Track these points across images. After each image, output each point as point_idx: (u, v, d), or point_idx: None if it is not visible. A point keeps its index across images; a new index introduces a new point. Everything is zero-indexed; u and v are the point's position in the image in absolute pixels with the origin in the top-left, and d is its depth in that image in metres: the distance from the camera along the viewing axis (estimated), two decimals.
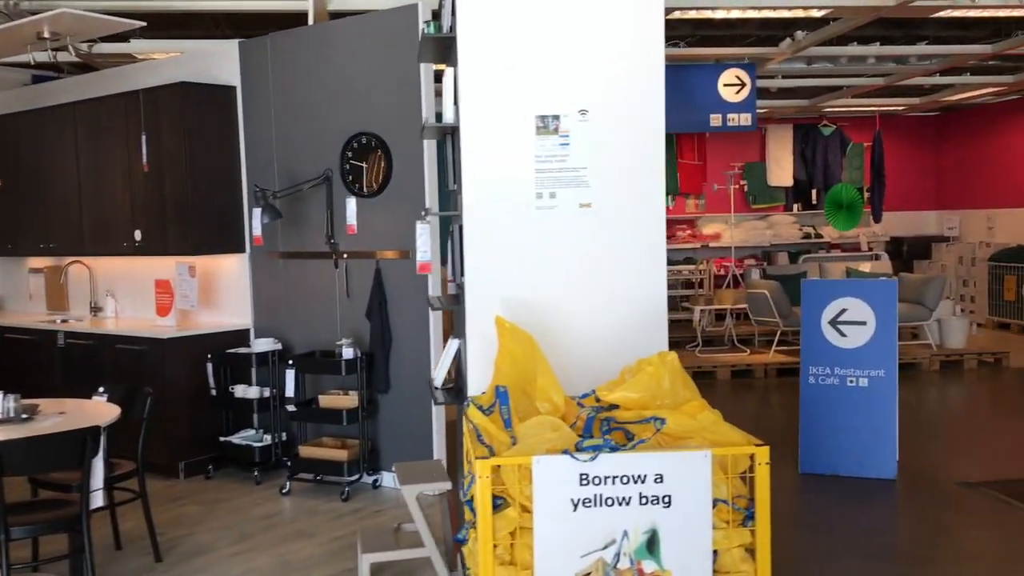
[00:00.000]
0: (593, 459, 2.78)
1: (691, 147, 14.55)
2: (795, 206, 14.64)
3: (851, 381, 5.84)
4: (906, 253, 14.48)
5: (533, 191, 3.62)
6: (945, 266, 13.49)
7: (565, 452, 2.80)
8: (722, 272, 11.87)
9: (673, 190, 14.37)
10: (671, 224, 14.64)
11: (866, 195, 13.45)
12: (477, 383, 3.59)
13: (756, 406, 7.87)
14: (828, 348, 5.92)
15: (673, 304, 12.23)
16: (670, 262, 14.98)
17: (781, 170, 14.59)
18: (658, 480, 2.82)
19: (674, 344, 11.18)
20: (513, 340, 3.36)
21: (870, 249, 14.28)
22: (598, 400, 3.18)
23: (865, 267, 10.46)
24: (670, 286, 12.13)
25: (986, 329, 12.41)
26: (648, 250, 3.72)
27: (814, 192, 14.54)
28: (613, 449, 2.82)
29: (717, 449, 2.89)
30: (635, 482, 2.81)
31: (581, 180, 3.63)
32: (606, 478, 2.80)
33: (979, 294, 12.82)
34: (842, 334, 5.89)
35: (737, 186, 14.58)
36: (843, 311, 5.91)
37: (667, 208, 15.24)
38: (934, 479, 5.65)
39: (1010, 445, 6.44)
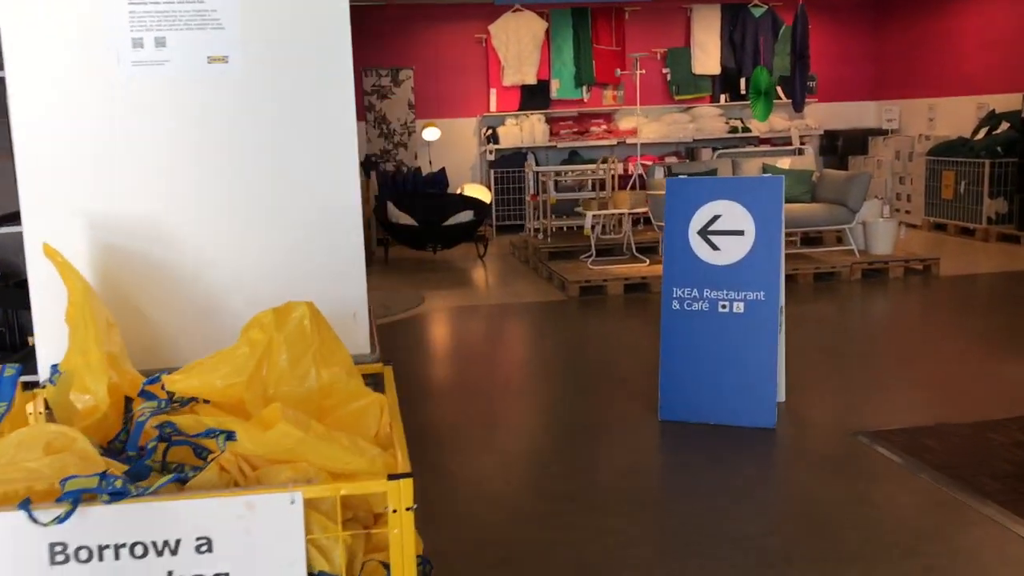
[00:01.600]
0: (62, 521, 1.50)
1: (607, 30, 13.02)
2: (722, 97, 13.26)
3: (723, 306, 4.61)
4: (841, 148, 13.22)
5: (127, 37, 2.23)
6: (881, 161, 12.27)
7: (22, 506, 1.51)
8: (629, 172, 10.54)
9: (588, 79, 12.92)
10: (584, 118, 13.31)
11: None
12: (51, 356, 2.27)
13: (640, 328, 6.68)
14: (696, 265, 4.66)
15: (570, 209, 10.92)
16: (583, 161, 13.79)
17: (707, 57, 13.14)
18: (203, 548, 1.55)
19: (565, 254, 10.22)
20: (72, 285, 2.03)
21: (802, 144, 13.01)
22: (166, 390, 1.87)
23: (784, 163, 9.20)
24: (575, 188, 10.72)
25: (921, 231, 11.29)
26: (331, 136, 2.38)
27: (743, 81, 13.14)
28: (116, 496, 1.53)
29: (318, 487, 1.61)
30: (160, 553, 1.54)
31: (209, 19, 2.25)
32: (102, 550, 1.52)
33: (916, 192, 11.66)
34: (714, 247, 4.64)
35: (645, 73, 13.16)
36: (715, 218, 4.64)
37: (580, 100, 13.89)
38: (824, 428, 4.49)
39: (924, 377, 5.30)
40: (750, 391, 4.55)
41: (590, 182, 10.23)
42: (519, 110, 12.91)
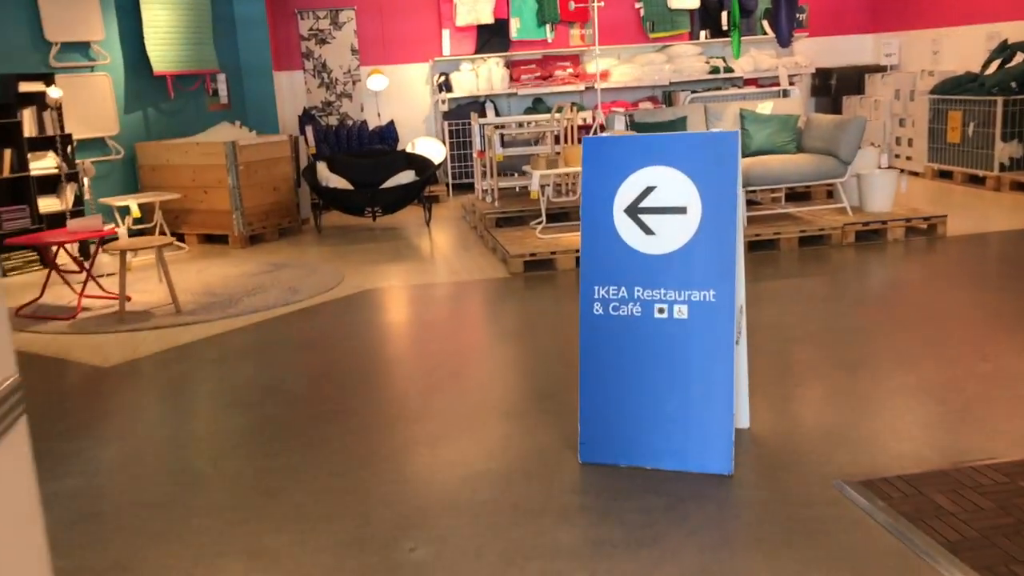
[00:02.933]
0: None
1: None
2: (702, 34, 11.90)
3: (660, 310, 3.42)
4: (835, 88, 11.90)
5: None
6: (879, 102, 10.96)
7: None
8: (586, 122, 9.24)
9: (552, 17, 11.55)
10: (548, 61, 11.98)
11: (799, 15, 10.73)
12: None
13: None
14: (624, 254, 3.45)
15: (521, 167, 9.64)
16: (547, 110, 12.42)
17: None
18: None
19: (515, 220, 8.88)
20: None
21: (791, 84, 11.69)
22: None
23: (765, 107, 7.93)
24: (530, 142, 9.45)
25: (924, 180, 10.04)
26: None
27: (724, 15, 11.78)
28: None
29: None
30: None
31: None
32: None
33: (918, 136, 10.37)
34: (647, 230, 3.43)
35: (604, 5, 11.80)
36: (648, 191, 3.42)
37: (545, 40, 12.52)
38: (797, 472, 3.33)
39: (935, 388, 4.12)
40: (698, 424, 3.37)
41: (547, 135, 8.95)
42: (475, 53, 11.57)
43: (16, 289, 7.24)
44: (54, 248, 6.31)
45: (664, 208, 3.40)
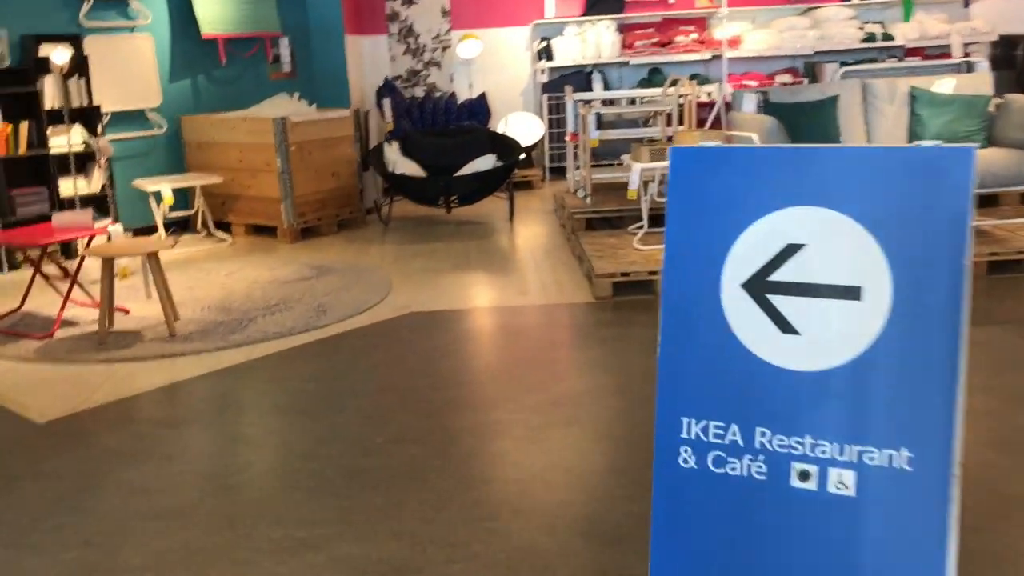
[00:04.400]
0: None
1: None
2: None
3: (803, 475, 1.86)
4: (1021, 60, 9.73)
5: None
6: None
7: None
8: (711, 98, 7.51)
9: None
10: (669, 25, 10.22)
11: None
12: None
13: None
14: (739, 365, 1.90)
15: (618, 153, 7.96)
16: (663, 82, 10.60)
17: None
18: None
19: (612, 223, 6.71)
20: None
21: (965, 56, 9.62)
22: None
23: (945, 85, 6.06)
24: (638, 123, 7.75)
25: None
26: None
27: None
28: None
29: None
30: None
31: None
32: None
33: None
34: (784, 325, 1.86)
35: None
36: (790, 251, 1.85)
37: (665, 1, 10.75)
38: None
39: None
40: None
41: (658, 116, 7.30)
42: (583, 16, 9.96)
43: (16, 289, 6.17)
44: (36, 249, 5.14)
45: (818, 287, 1.82)
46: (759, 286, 1.85)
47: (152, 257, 4.93)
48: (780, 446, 1.85)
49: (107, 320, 4.90)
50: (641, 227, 6.00)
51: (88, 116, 7.10)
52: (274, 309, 5.36)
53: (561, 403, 3.76)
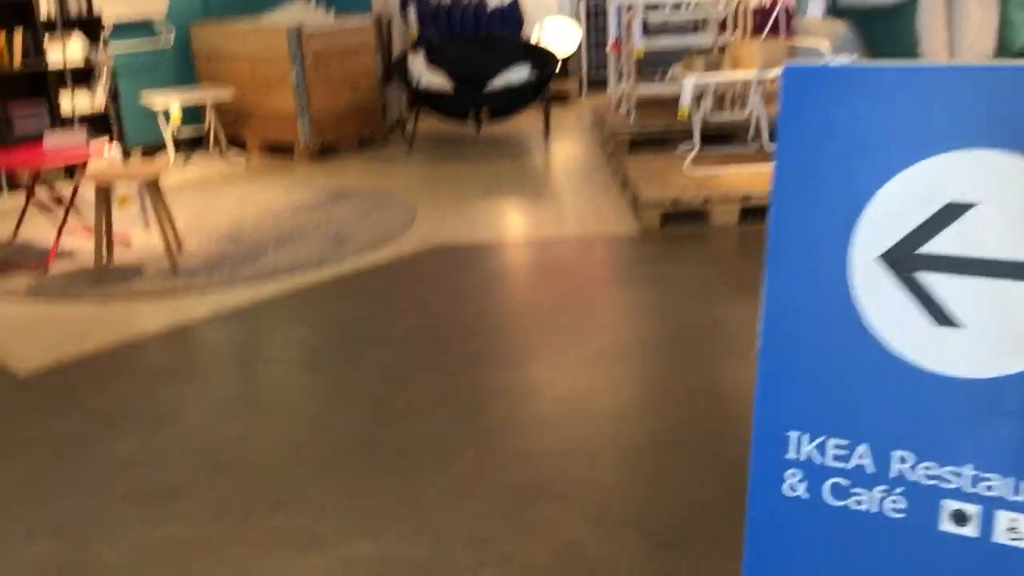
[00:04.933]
0: None
1: None
2: None
3: (959, 517, 1.37)
4: None
5: None
6: None
7: None
8: (768, 2, 6.78)
9: None
10: None
11: None
12: None
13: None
14: (872, 366, 1.39)
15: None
16: None
17: None
18: None
19: (657, 143, 5.86)
20: None
21: None
22: None
23: None
24: (681, 29, 6.97)
25: None
26: None
27: None
28: None
29: None
30: None
31: None
32: None
33: None
34: (939, 314, 1.34)
35: None
36: (950, 213, 1.32)
37: None
38: None
39: None
40: None
41: (711, 21, 6.60)
42: None
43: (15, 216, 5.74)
44: (27, 174, 4.68)
45: (992, 264, 1.30)
46: (905, 260, 1.34)
47: (151, 184, 4.45)
48: (927, 477, 1.36)
49: (103, 253, 4.46)
50: (692, 148, 5.41)
51: (89, 26, 6.56)
52: (287, 239, 4.89)
53: (606, 357, 3.28)
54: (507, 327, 3.61)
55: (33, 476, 2.70)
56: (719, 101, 6.01)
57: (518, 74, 7.09)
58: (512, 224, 5.01)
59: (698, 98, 5.34)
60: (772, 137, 5.61)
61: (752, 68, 5.06)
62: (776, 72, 5.03)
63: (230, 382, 3.26)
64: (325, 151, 7.01)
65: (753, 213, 4.74)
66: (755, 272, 4.04)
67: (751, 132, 5.66)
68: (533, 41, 7.69)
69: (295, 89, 6.70)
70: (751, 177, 4.99)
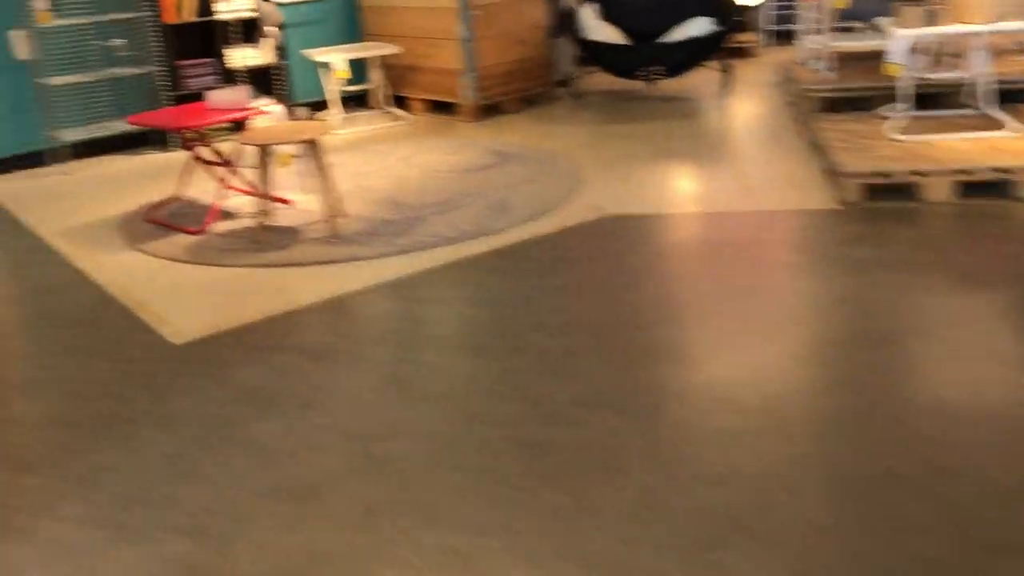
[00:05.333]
0: None
1: None
2: None
3: None
4: None
5: None
6: None
7: None
8: None
9: None
10: None
11: None
12: None
13: (1002, 328, 2.96)
14: None
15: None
16: None
17: None
18: None
19: (858, 104, 5.17)
20: None
21: None
22: None
23: None
24: None
25: None
26: None
27: None
28: None
29: None
30: None
31: None
32: None
33: None
34: None
35: None
36: None
37: None
38: None
39: None
40: None
41: None
42: None
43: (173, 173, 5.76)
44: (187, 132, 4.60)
45: None
46: None
47: (312, 145, 4.27)
48: None
49: (263, 215, 4.33)
50: (899, 111, 4.77)
51: None
52: (448, 205, 4.63)
53: (803, 359, 2.83)
54: (684, 315, 3.20)
55: (175, 459, 2.54)
56: (935, 59, 5.29)
57: (697, 27, 6.54)
58: (688, 193, 4.56)
59: (913, 50, 4.68)
60: (1000, 99, 4.89)
61: (978, 20, 4.37)
62: (1016, 26, 4.31)
63: (383, 364, 3.02)
64: (489, 109, 6.72)
65: (974, 188, 4.10)
66: (978, 258, 3.46)
67: (972, 92, 4.94)
68: None
69: (461, 43, 6.42)
70: (971, 146, 4.33)
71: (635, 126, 6.05)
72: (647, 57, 6.46)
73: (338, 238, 4.26)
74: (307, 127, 4.36)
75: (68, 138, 6.12)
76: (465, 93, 6.55)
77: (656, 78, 6.57)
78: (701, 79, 7.36)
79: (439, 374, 2.93)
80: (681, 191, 4.60)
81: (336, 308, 3.51)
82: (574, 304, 3.37)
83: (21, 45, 5.90)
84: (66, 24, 5.98)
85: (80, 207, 5.12)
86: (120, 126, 6.25)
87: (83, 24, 6.09)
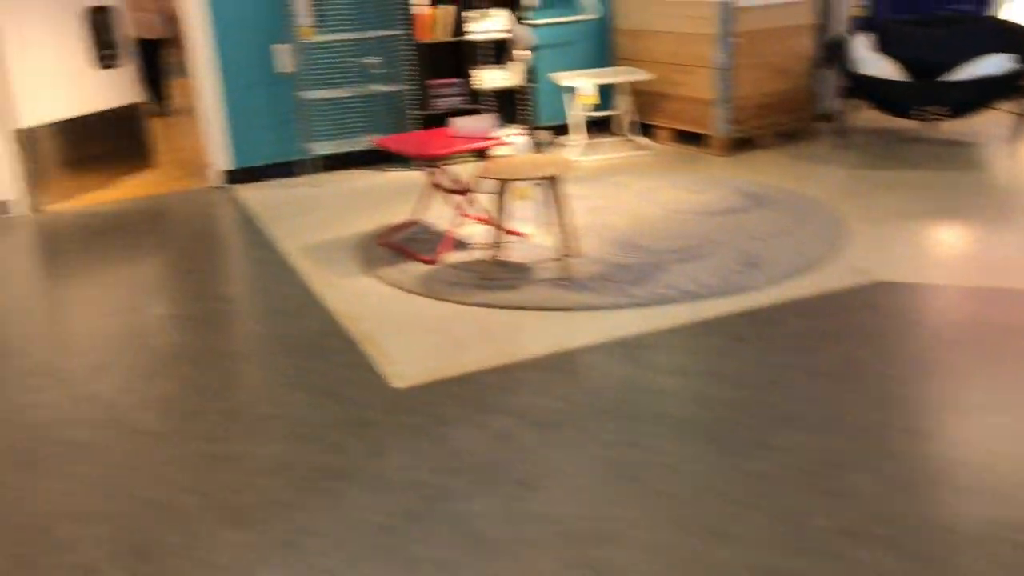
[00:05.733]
0: None
1: None
2: None
3: None
4: None
5: None
6: None
7: None
8: None
9: None
10: None
11: None
12: None
13: None
14: None
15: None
16: None
17: None
18: None
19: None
20: None
21: None
22: None
23: None
24: None
25: None
26: None
27: None
28: None
29: None
30: None
31: None
32: None
33: None
34: None
35: None
36: None
37: None
38: None
39: None
40: None
41: None
42: None
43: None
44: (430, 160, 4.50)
45: None
46: None
47: (554, 181, 4.04)
48: None
49: (496, 250, 4.15)
50: None
51: None
52: (691, 252, 4.26)
53: None
54: (983, 426, 2.66)
55: (387, 526, 2.35)
56: None
57: (991, 65, 5.76)
58: (975, 260, 3.93)
59: None
60: None
61: None
62: None
63: (608, 444, 2.70)
64: (742, 143, 6.26)
65: None
66: None
67: None
68: (1011, 20, 6.25)
69: (718, 71, 6.00)
70: None
71: (909, 173, 5.39)
72: (928, 95, 5.76)
73: (570, 280, 3.99)
74: (549, 162, 4.13)
75: (319, 151, 6.29)
76: (717, 124, 6.13)
77: (936, 118, 5.85)
78: (990, 121, 6.52)
79: (670, 467, 2.57)
80: (967, 258, 3.97)
81: (562, 365, 3.23)
82: (836, 393, 2.90)
83: (284, 59, 6.11)
84: (327, 40, 6.13)
85: (322, 223, 5.18)
86: (367, 142, 6.34)
87: (343, 41, 6.22)
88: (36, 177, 5.80)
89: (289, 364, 3.39)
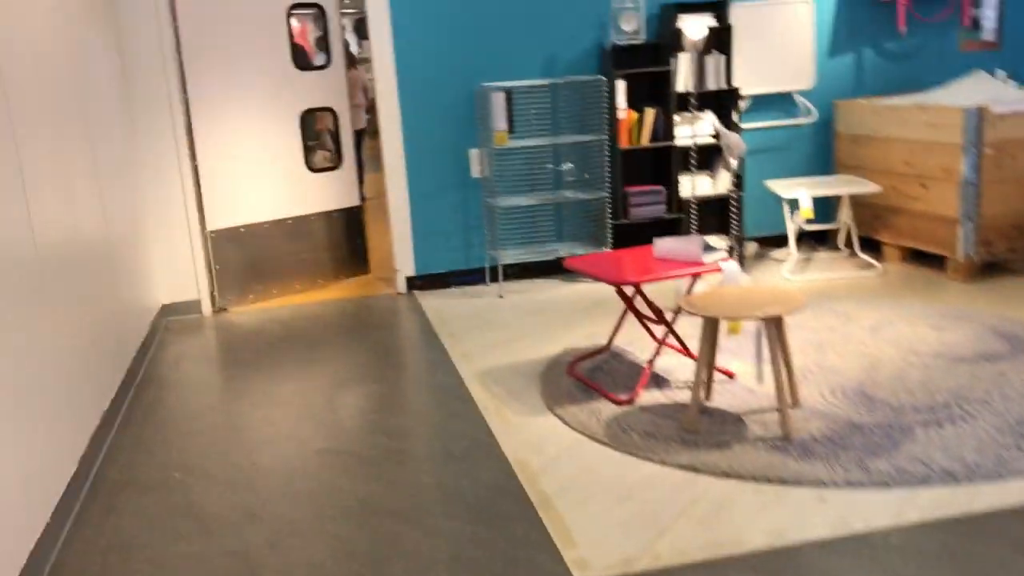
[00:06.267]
0: None
1: None
2: None
3: None
4: None
5: None
6: None
7: None
8: None
9: None
10: None
11: None
12: None
13: None
14: None
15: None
16: None
17: None
18: None
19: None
20: None
21: None
22: None
23: None
24: None
25: None
26: None
27: None
28: None
29: None
30: None
31: None
32: None
33: None
34: None
35: None
36: None
37: None
38: None
39: None
40: None
41: None
42: None
43: (603, 311, 5.20)
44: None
45: None
46: None
47: (774, 322, 3.41)
48: None
49: (700, 394, 3.54)
50: None
51: (723, 101, 5.86)
52: (942, 413, 3.49)
53: None
54: None
55: None
56: None
57: None
58: None
59: None
60: None
61: None
62: None
63: None
64: (990, 268, 5.37)
65: None
66: None
67: None
68: None
69: (963, 185, 5.20)
70: None
71: None
72: None
73: (791, 442, 3.32)
74: (771, 298, 3.51)
75: (507, 259, 5.93)
76: (960, 245, 5.29)
77: None
78: None
79: None
80: None
81: (783, 568, 2.57)
82: None
83: (477, 164, 5.84)
84: (521, 146, 5.82)
85: (505, 341, 4.76)
86: (558, 250, 5.93)
87: (537, 146, 5.89)
88: (231, 278, 5.74)
89: (453, 530, 2.90)
